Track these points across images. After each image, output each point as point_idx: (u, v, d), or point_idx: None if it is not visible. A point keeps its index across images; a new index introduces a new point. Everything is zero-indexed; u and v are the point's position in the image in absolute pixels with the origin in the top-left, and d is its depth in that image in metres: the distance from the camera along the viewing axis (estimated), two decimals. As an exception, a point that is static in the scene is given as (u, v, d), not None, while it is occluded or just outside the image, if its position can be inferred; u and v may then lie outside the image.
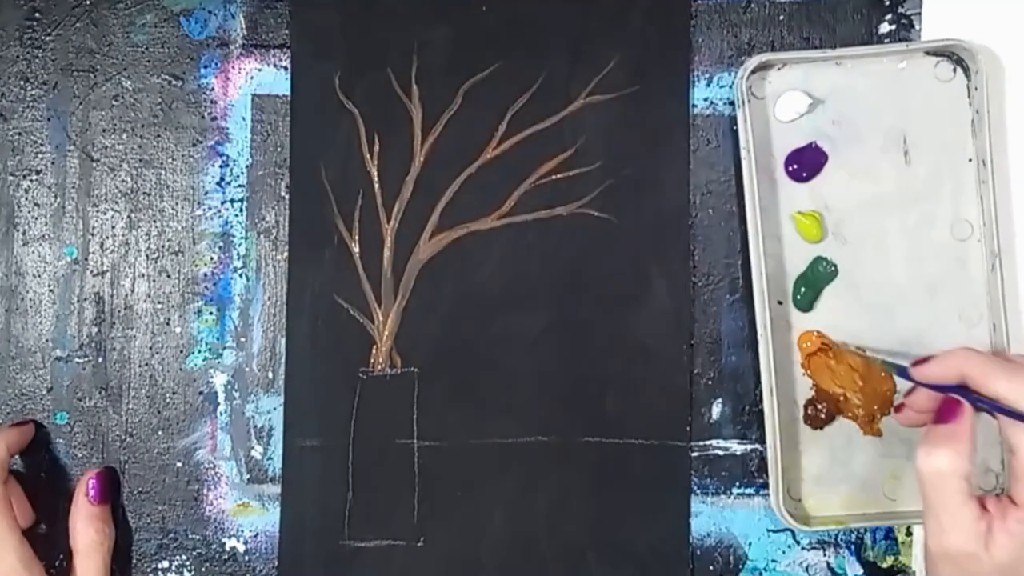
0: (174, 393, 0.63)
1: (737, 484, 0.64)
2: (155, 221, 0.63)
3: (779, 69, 0.64)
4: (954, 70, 0.63)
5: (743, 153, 0.62)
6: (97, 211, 0.63)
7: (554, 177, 0.63)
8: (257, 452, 0.63)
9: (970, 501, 0.50)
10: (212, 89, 0.63)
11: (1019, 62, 0.65)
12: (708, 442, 0.64)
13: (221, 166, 0.63)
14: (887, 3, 0.64)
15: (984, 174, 0.62)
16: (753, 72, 0.63)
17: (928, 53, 0.63)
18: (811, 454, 0.63)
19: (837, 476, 0.63)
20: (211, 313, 0.63)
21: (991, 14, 0.65)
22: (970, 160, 0.63)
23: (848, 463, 0.64)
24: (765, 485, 0.63)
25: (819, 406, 0.63)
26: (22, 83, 0.63)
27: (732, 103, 0.64)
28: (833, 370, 0.63)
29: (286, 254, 0.63)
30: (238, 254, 0.63)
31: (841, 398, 0.63)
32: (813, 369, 0.64)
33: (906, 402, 0.58)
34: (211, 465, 0.63)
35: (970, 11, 0.64)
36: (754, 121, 0.62)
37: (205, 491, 0.63)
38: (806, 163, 0.64)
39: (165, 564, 0.62)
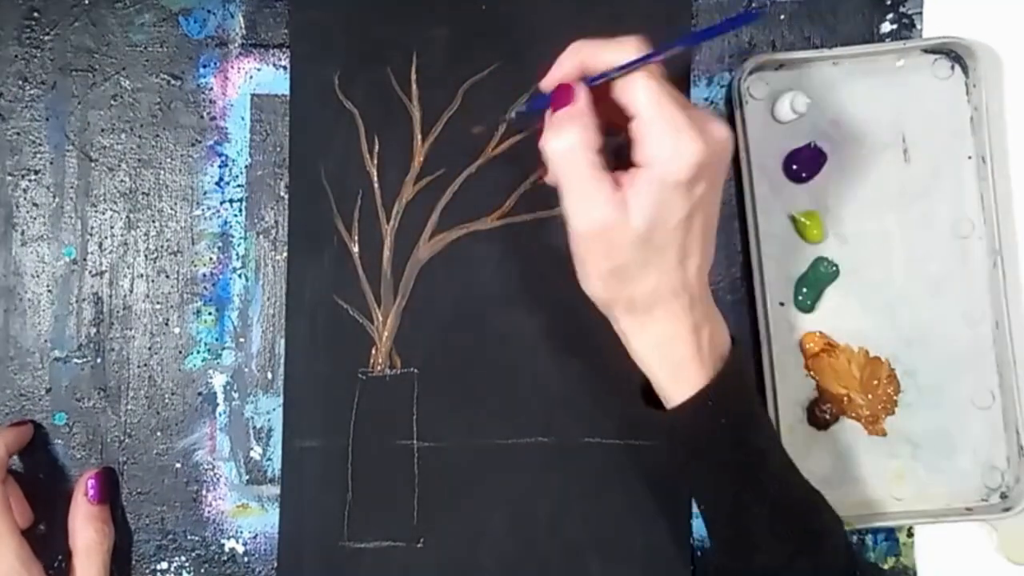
0: (173, 394, 0.66)
1: (739, 485, 0.67)
2: (154, 221, 0.66)
3: (776, 70, 0.67)
4: (952, 67, 0.67)
5: (742, 155, 0.65)
6: (96, 211, 0.66)
7: (554, 177, 0.67)
8: (256, 453, 0.66)
9: (604, 173, 0.52)
10: (211, 89, 0.66)
11: (1017, 58, 0.68)
12: (710, 442, 0.67)
13: (220, 166, 0.66)
14: (888, 2, 0.68)
15: (984, 171, 0.65)
16: (750, 73, 0.66)
17: (925, 51, 0.66)
18: (816, 455, 0.66)
19: (842, 477, 0.66)
20: (210, 313, 0.66)
21: (992, 12, 0.68)
22: (969, 157, 0.67)
23: (853, 464, 0.67)
24: (767, 486, 0.67)
25: (823, 407, 0.67)
26: (20, 83, 0.66)
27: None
28: (836, 371, 0.66)
29: (285, 254, 0.66)
30: (237, 254, 0.66)
31: (845, 399, 0.66)
32: (816, 370, 0.67)
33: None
34: (210, 466, 0.66)
35: (971, 10, 0.68)
36: (752, 122, 0.66)
37: (204, 492, 0.66)
38: (805, 163, 0.67)
39: (164, 565, 0.65)
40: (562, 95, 0.54)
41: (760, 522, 0.55)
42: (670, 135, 0.51)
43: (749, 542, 0.56)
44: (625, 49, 0.53)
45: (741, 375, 0.57)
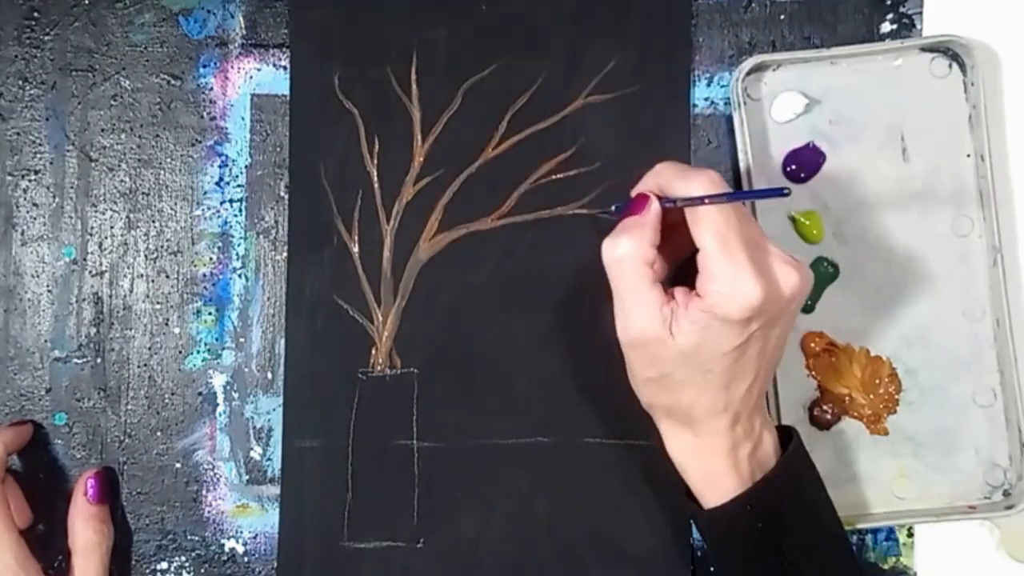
0: (173, 394, 0.68)
1: (739, 484, 0.68)
2: (154, 221, 0.68)
3: (774, 70, 0.68)
4: (950, 66, 0.68)
5: (740, 156, 0.67)
6: (96, 211, 0.68)
7: (554, 177, 0.68)
8: (256, 453, 0.68)
9: (654, 287, 0.55)
10: (211, 89, 0.68)
11: (1015, 56, 0.69)
12: (710, 442, 0.68)
13: (220, 166, 0.68)
14: (888, 2, 0.69)
15: (983, 169, 0.67)
16: (749, 74, 0.67)
17: (923, 49, 0.68)
18: (818, 455, 0.66)
19: (844, 476, 0.68)
20: (210, 313, 0.68)
21: (991, 11, 0.69)
22: (968, 155, 0.68)
23: (855, 463, 0.68)
24: (768, 485, 0.69)
25: (824, 407, 0.68)
26: (21, 83, 0.68)
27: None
28: (838, 370, 0.68)
29: (285, 254, 0.68)
30: (237, 254, 0.68)
31: (846, 398, 0.68)
32: (818, 370, 0.68)
33: None
34: (210, 466, 0.67)
35: (970, 8, 0.69)
36: (751, 123, 0.67)
37: (204, 492, 0.67)
38: (804, 163, 0.68)
39: (164, 565, 0.67)
40: (636, 204, 0.57)
41: None
42: (728, 275, 0.53)
43: None
44: (699, 182, 0.55)
45: (785, 483, 0.59)
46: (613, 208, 0.61)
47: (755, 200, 0.55)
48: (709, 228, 0.54)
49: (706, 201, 0.54)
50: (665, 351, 0.55)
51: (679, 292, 0.56)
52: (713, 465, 0.58)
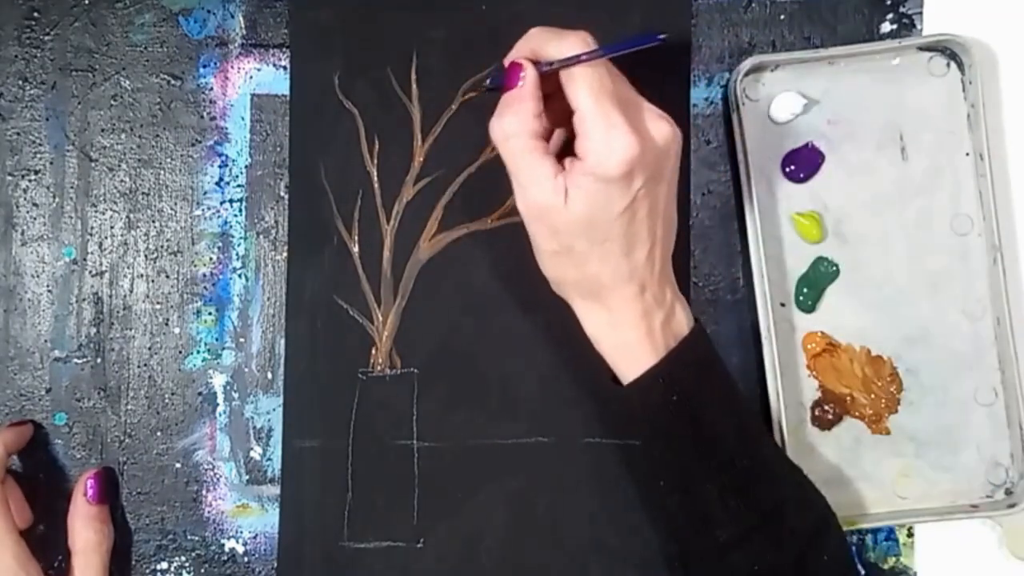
0: (173, 394, 0.69)
1: (740, 484, 0.70)
2: (154, 221, 0.69)
3: (772, 71, 0.70)
4: (948, 65, 0.70)
5: (739, 156, 0.68)
6: (96, 211, 0.69)
7: (554, 177, 0.70)
8: (256, 453, 0.69)
9: (544, 158, 0.57)
10: (211, 89, 0.70)
11: (1012, 53, 0.71)
12: (711, 442, 0.70)
13: (220, 166, 0.69)
14: (888, 2, 0.71)
15: (982, 168, 0.68)
16: (747, 74, 0.68)
17: (921, 48, 0.69)
18: (820, 455, 0.69)
19: (847, 476, 0.69)
20: (210, 313, 0.69)
21: (990, 10, 0.71)
22: (967, 154, 0.69)
23: (857, 463, 0.69)
24: (768, 485, 0.70)
25: (826, 407, 0.69)
26: (20, 83, 0.69)
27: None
28: (839, 370, 0.69)
29: (285, 254, 0.69)
30: (237, 254, 0.69)
31: (848, 398, 0.69)
32: (819, 370, 0.70)
33: None
34: (210, 466, 0.69)
35: (970, 8, 0.71)
36: (750, 124, 0.68)
37: (204, 492, 0.69)
38: (803, 164, 0.70)
39: (164, 565, 0.68)
40: (512, 75, 0.58)
41: (712, 498, 0.59)
42: (602, 131, 0.55)
43: (706, 518, 0.59)
44: (571, 42, 0.57)
45: (696, 355, 0.61)
46: (488, 82, 0.60)
47: (631, 51, 0.56)
48: (583, 88, 0.56)
49: (582, 59, 0.56)
50: (563, 220, 0.57)
51: (567, 161, 0.57)
52: (628, 336, 0.60)
